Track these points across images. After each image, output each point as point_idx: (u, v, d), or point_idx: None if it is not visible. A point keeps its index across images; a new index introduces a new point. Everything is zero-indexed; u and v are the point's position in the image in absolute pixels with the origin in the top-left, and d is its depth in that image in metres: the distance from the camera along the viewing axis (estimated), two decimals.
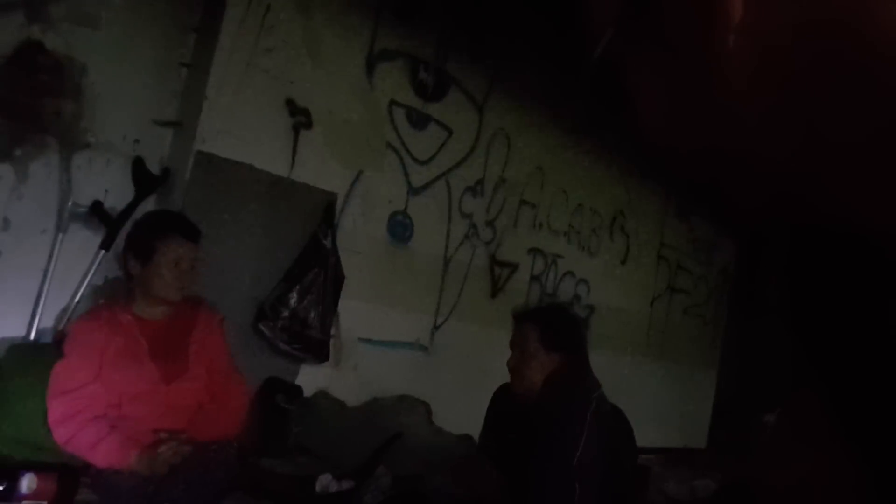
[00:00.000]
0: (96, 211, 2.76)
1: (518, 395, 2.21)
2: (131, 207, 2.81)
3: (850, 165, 0.35)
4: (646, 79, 0.40)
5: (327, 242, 3.35)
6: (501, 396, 2.39)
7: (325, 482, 2.71)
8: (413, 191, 3.85)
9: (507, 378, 2.37)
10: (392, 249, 3.78)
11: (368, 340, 3.68)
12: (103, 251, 2.74)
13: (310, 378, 3.37)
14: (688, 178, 0.45)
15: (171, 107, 3.04)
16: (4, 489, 2.09)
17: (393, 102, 3.70)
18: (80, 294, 2.72)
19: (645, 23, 0.39)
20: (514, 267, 4.48)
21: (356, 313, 3.57)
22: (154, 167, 2.95)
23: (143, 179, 2.89)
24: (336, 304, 3.43)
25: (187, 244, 2.20)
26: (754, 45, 0.35)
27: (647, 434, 4.80)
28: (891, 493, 0.41)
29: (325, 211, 3.38)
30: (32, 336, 2.66)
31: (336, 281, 3.40)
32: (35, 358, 2.38)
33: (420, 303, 3.96)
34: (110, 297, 2.47)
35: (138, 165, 2.89)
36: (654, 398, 5.60)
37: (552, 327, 2.26)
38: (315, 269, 3.28)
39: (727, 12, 0.35)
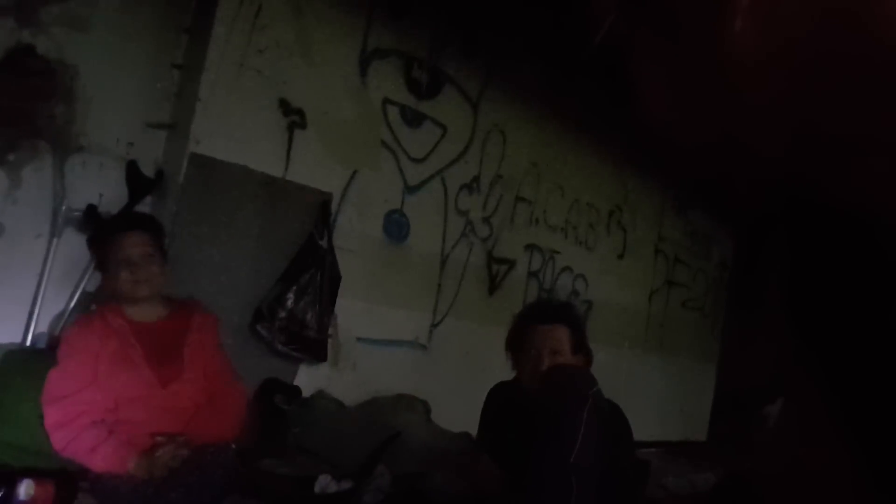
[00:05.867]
0: (91, 215, 2.75)
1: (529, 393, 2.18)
2: (126, 210, 2.80)
3: (854, 155, 0.35)
4: (648, 66, 0.39)
5: (323, 242, 3.34)
6: (499, 394, 2.38)
7: (324, 482, 2.71)
8: (409, 189, 3.84)
9: (505, 374, 2.36)
10: (388, 248, 3.78)
11: (366, 340, 3.68)
12: None
13: (308, 378, 3.37)
14: (689, 169, 0.45)
15: (164, 109, 3.03)
16: (2, 495, 2.08)
17: (387, 101, 3.69)
18: (75, 299, 2.72)
19: (648, 8, 0.39)
20: (511, 263, 4.48)
21: (353, 313, 3.57)
22: (148, 170, 2.93)
23: (138, 182, 2.88)
24: (333, 304, 3.43)
25: (131, 235, 2.19)
26: (761, 29, 0.34)
27: (646, 428, 4.83)
28: (890, 484, 0.41)
29: (321, 211, 3.38)
30: (28, 341, 2.65)
31: (333, 281, 3.40)
32: (31, 363, 2.37)
33: (417, 301, 3.95)
34: (104, 302, 2.46)
35: (132, 168, 2.88)
36: (654, 392, 5.62)
37: (581, 330, 2.23)
38: (311, 269, 3.28)
39: None
